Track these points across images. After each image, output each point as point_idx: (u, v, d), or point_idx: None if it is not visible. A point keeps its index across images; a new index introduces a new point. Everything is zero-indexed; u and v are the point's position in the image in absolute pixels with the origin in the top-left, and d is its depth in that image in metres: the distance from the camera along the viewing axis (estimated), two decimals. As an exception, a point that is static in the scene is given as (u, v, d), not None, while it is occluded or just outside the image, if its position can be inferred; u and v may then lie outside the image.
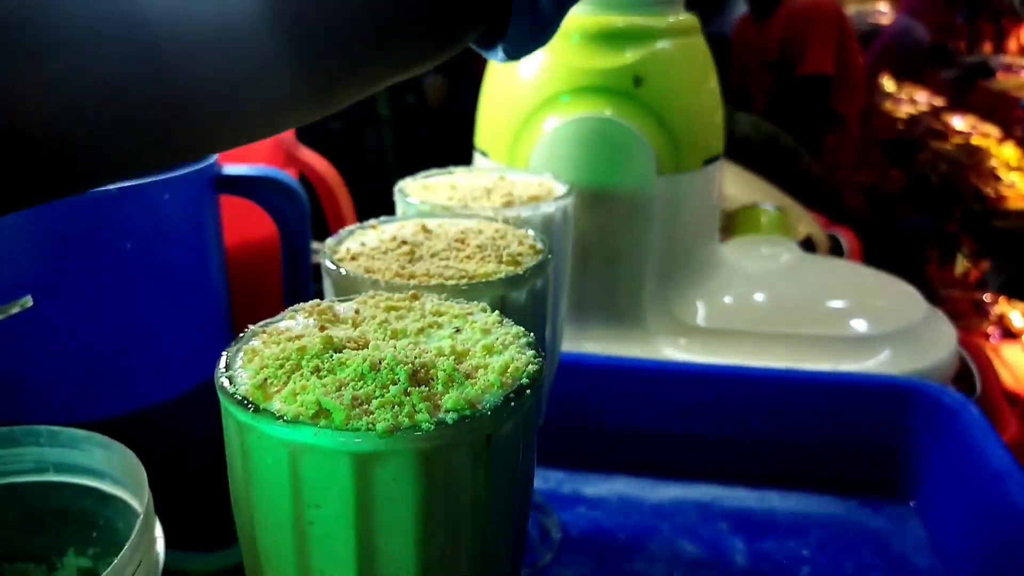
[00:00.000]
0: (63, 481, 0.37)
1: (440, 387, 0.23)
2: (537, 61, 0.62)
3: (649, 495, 0.56)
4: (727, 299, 0.66)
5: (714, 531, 0.53)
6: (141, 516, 0.30)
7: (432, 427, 0.21)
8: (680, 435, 0.58)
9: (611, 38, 0.60)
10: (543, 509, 0.53)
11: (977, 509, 0.48)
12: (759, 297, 0.67)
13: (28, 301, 0.43)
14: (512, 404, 0.23)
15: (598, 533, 0.53)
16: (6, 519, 0.37)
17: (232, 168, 0.50)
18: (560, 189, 0.46)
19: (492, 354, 0.26)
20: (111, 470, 0.36)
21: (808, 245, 0.88)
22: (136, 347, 0.45)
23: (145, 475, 0.33)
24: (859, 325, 0.64)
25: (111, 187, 0.43)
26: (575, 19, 0.61)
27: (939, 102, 2.55)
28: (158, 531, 0.32)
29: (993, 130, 2.27)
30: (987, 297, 1.81)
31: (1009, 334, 1.72)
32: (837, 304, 0.66)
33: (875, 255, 1.04)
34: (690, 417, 0.58)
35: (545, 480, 0.57)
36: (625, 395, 0.58)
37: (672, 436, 0.58)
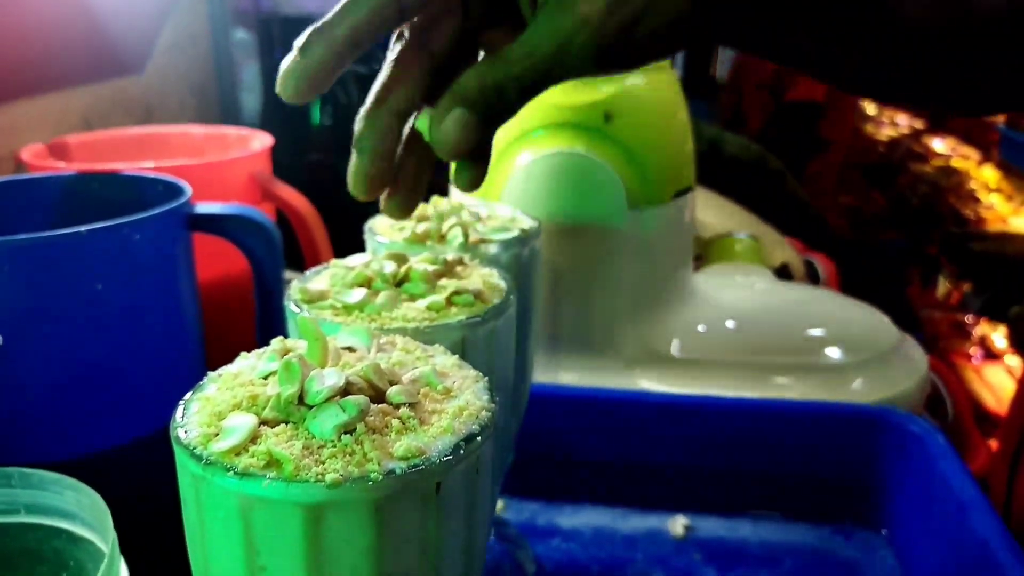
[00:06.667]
0: (34, 522, 0.37)
1: (393, 435, 0.24)
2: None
3: (623, 526, 0.57)
4: (701, 328, 0.67)
5: (688, 561, 0.54)
6: (106, 557, 0.31)
7: (380, 477, 0.22)
8: (654, 465, 0.58)
9: (582, 74, 0.61)
10: (517, 542, 0.54)
11: (944, 538, 0.49)
12: (732, 326, 0.67)
13: (-1, 341, 0.43)
14: (462, 452, 0.23)
15: (573, 565, 0.53)
16: (-22, 559, 0.37)
17: (204, 206, 0.50)
18: (529, 225, 0.47)
19: (448, 399, 0.27)
20: (81, 512, 0.36)
21: (784, 272, 0.89)
22: (108, 386, 0.46)
23: (110, 518, 0.33)
24: (832, 353, 0.65)
25: (81, 228, 0.43)
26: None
27: (919, 124, 2.58)
28: (124, 572, 0.33)
29: (972, 152, 2.29)
30: (968, 318, 1.82)
31: (991, 355, 1.73)
32: (810, 332, 0.67)
33: (856, 278, 1.05)
34: (664, 447, 0.58)
35: (519, 512, 0.58)
36: (599, 426, 0.59)
37: (646, 466, 0.58)
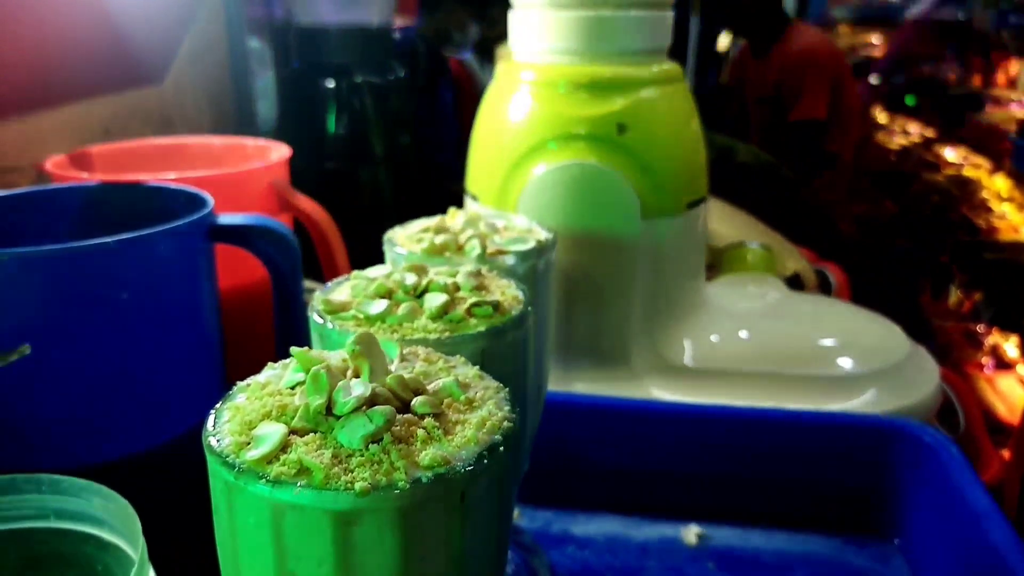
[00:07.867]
0: (64, 528, 0.38)
1: (419, 444, 0.25)
2: (525, 109, 0.64)
3: (636, 534, 0.57)
4: (713, 338, 0.67)
5: (701, 570, 0.54)
6: (136, 564, 0.32)
7: (408, 486, 0.23)
8: (667, 474, 0.59)
9: (597, 87, 0.62)
10: (532, 549, 0.54)
11: (957, 548, 0.49)
12: (745, 336, 0.68)
13: (26, 349, 0.44)
14: (486, 462, 0.24)
15: (587, 573, 0.54)
16: (8, 563, 0.38)
17: (227, 217, 0.51)
18: (544, 237, 0.48)
19: (471, 409, 0.27)
20: (109, 518, 0.37)
21: (796, 282, 0.89)
22: (131, 393, 0.47)
23: (139, 524, 0.34)
24: (844, 364, 0.65)
25: (108, 239, 0.44)
26: (563, 69, 0.63)
27: (931, 134, 2.57)
28: (151, 578, 0.33)
29: (984, 162, 2.29)
30: (980, 328, 1.82)
31: (1003, 365, 1.72)
32: (822, 343, 0.68)
33: (867, 286, 1.05)
34: (677, 456, 0.59)
35: (533, 520, 0.58)
36: (612, 435, 0.59)
37: (659, 475, 0.59)
